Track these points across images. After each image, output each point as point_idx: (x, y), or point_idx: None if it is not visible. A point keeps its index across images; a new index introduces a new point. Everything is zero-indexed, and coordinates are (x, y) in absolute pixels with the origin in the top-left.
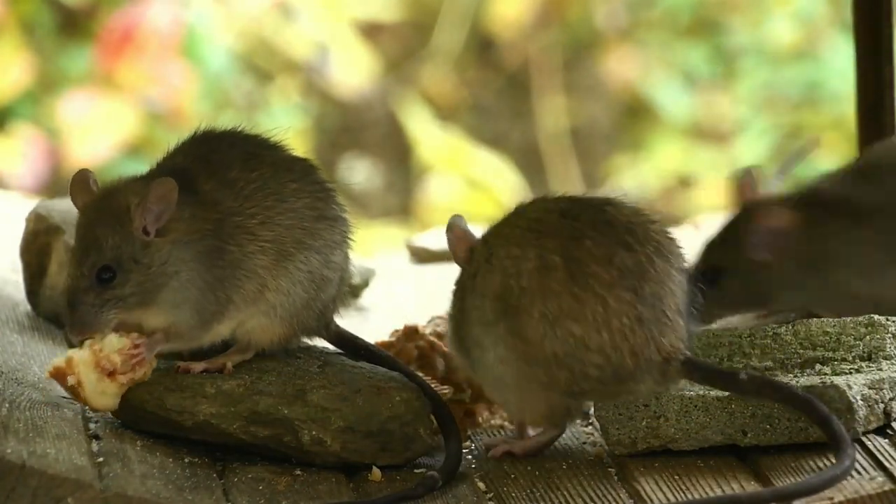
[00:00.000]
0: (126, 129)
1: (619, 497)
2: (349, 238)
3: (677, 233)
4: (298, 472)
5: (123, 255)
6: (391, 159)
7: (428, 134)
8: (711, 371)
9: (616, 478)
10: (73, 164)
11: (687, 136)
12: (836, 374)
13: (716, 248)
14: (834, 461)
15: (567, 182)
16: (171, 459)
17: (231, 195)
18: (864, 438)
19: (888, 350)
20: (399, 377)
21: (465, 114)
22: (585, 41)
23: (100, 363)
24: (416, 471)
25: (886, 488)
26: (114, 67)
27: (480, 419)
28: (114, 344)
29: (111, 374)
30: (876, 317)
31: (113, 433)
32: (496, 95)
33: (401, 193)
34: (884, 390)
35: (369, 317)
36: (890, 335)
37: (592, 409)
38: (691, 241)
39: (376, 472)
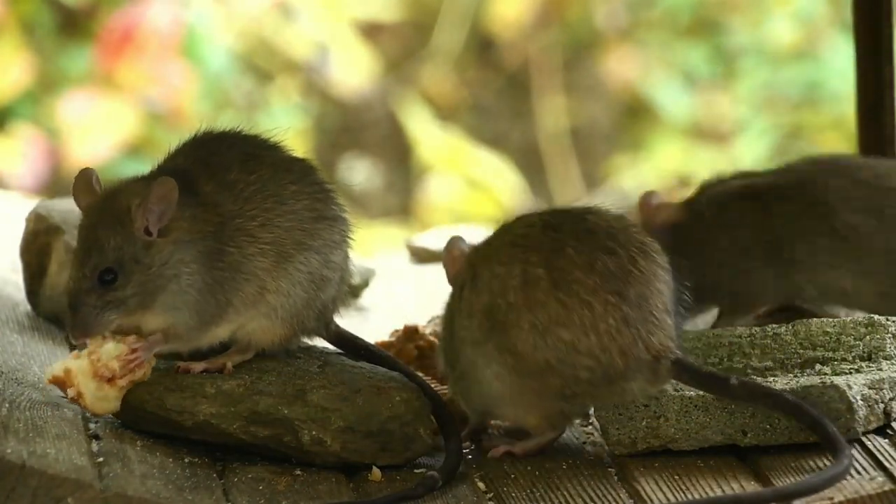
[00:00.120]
0: (126, 129)
1: (619, 497)
2: (349, 238)
3: None
4: (298, 472)
5: (125, 257)
6: (391, 159)
7: (428, 134)
8: (701, 374)
9: (616, 478)
10: (73, 164)
11: (687, 136)
12: (836, 374)
13: None
14: (832, 462)
15: (567, 182)
16: (171, 459)
17: (231, 197)
18: (864, 438)
19: (888, 350)
20: (399, 377)
21: (465, 114)
22: (585, 41)
23: (98, 371)
24: (416, 471)
25: (886, 488)
26: (114, 67)
27: None
28: (111, 351)
29: (110, 380)
30: (876, 317)
31: (113, 433)
32: (496, 95)
33: (401, 193)
34: (884, 390)
35: (369, 317)
36: (890, 335)
37: (592, 410)
38: None
39: (376, 472)
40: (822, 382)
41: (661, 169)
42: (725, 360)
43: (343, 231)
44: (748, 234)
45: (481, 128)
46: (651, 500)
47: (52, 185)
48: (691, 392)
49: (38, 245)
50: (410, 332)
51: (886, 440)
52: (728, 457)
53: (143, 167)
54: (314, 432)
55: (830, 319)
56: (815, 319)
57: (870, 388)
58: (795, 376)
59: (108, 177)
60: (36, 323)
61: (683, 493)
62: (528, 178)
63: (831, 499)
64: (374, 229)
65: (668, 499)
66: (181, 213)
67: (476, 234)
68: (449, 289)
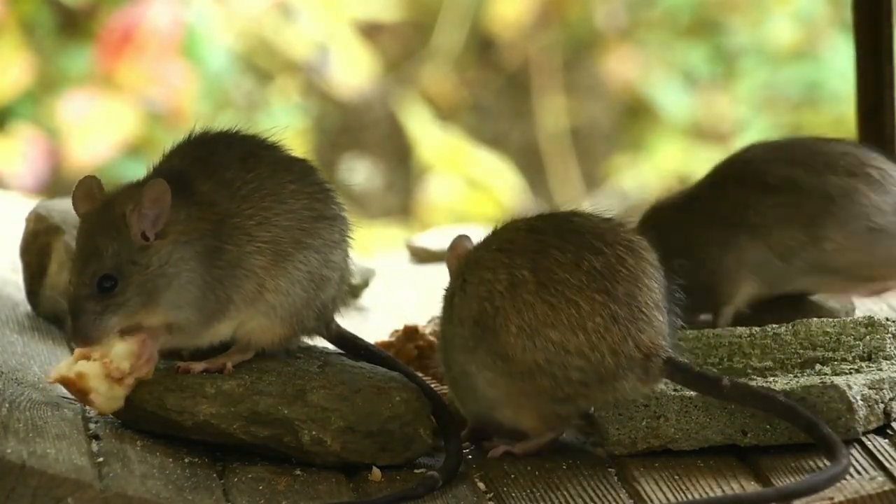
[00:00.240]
0: (126, 129)
1: (619, 497)
2: (348, 237)
3: None
4: (298, 472)
5: (123, 262)
6: (391, 159)
7: (428, 134)
8: (693, 374)
9: (616, 478)
10: (73, 164)
11: (687, 136)
12: (836, 374)
13: None
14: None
15: (567, 182)
16: (171, 459)
17: (228, 196)
18: (864, 438)
19: (888, 350)
20: (399, 377)
21: (465, 114)
22: (585, 41)
23: (110, 373)
24: (416, 471)
25: (886, 488)
26: (114, 67)
27: None
28: (121, 352)
29: (120, 380)
30: (876, 317)
31: (113, 433)
32: (496, 95)
33: (401, 193)
34: (884, 390)
35: (369, 317)
36: (890, 335)
37: (592, 409)
38: None
39: (376, 472)
40: (822, 382)
41: (661, 169)
42: (725, 360)
43: (343, 230)
44: (694, 229)
45: (481, 128)
46: (651, 500)
47: (52, 185)
48: (691, 392)
49: (38, 245)
50: (410, 332)
51: (886, 440)
52: (728, 457)
53: (143, 167)
54: (314, 432)
55: (830, 319)
56: (815, 319)
57: (870, 388)
58: (795, 376)
59: (108, 177)
60: (36, 323)
61: (683, 493)
62: (528, 178)
63: (831, 499)
64: (374, 229)
65: (668, 499)
66: (177, 215)
67: (476, 234)
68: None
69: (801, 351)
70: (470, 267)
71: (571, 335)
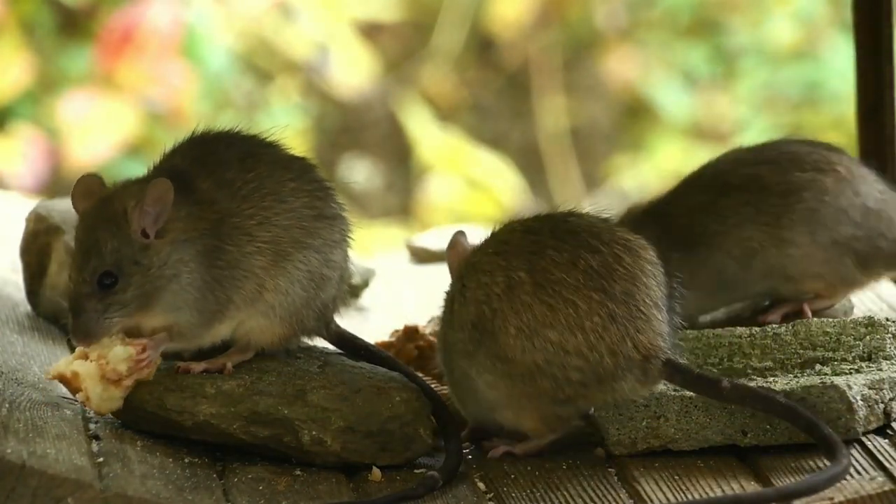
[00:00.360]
0: (126, 129)
1: (619, 497)
2: (348, 236)
3: None
4: (298, 472)
5: (124, 259)
6: (391, 159)
7: (428, 134)
8: (693, 376)
9: (616, 478)
10: (73, 164)
11: (687, 136)
12: (836, 375)
13: None
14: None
15: (567, 182)
16: (171, 459)
17: (228, 195)
18: (864, 438)
19: (888, 350)
20: (399, 377)
21: (465, 114)
22: (585, 41)
23: (106, 375)
24: (416, 471)
25: (886, 488)
26: (114, 67)
27: None
28: (119, 354)
29: (116, 381)
30: (876, 317)
31: (113, 433)
32: (496, 95)
33: (401, 193)
34: (884, 390)
35: (369, 317)
36: (890, 335)
37: (592, 410)
38: None
39: (376, 472)
40: (822, 383)
41: (661, 169)
42: (725, 360)
43: (343, 230)
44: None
45: (481, 128)
46: (651, 500)
47: (52, 185)
48: (691, 392)
49: (38, 245)
50: (410, 332)
51: (886, 440)
52: (728, 457)
53: (143, 167)
54: (314, 432)
55: (830, 319)
56: (815, 319)
57: (870, 388)
58: (795, 376)
59: (108, 177)
60: (36, 323)
61: (683, 493)
62: (528, 178)
63: (831, 499)
64: (374, 229)
65: (668, 499)
66: (177, 214)
67: (476, 234)
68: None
69: (801, 351)
70: (468, 271)
71: (570, 335)
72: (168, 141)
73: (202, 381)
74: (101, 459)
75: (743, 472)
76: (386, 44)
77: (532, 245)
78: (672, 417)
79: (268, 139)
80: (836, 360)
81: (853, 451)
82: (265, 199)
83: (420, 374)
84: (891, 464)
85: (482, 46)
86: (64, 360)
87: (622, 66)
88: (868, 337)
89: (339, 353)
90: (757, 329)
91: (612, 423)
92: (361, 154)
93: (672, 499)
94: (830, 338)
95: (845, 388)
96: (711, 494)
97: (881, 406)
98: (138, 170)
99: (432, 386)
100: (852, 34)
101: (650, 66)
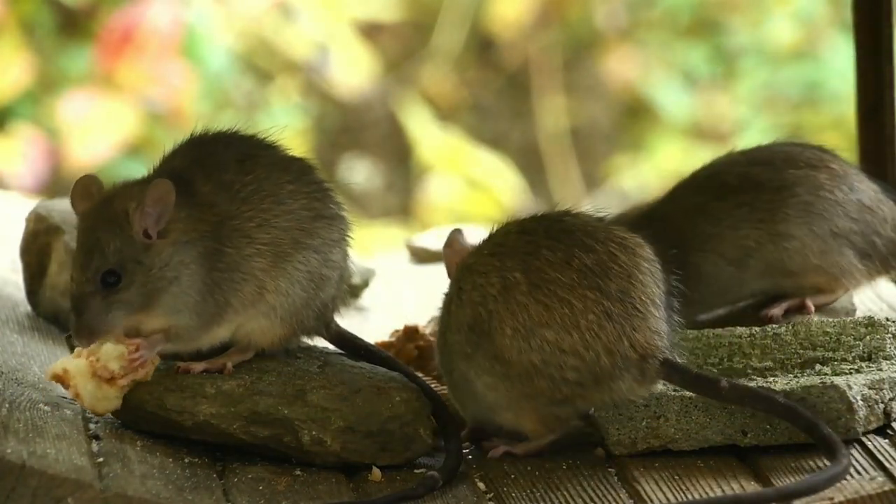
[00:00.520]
0: (126, 129)
1: (619, 497)
2: (348, 236)
3: None
4: (298, 472)
5: (126, 259)
6: (391, 159)
7: (428, 134)
8: (691, 376)
9: (616, 478)
10: (73, 164)
11: (687, 136)
12: (836, 375)
13: None
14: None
15: (567, 182)
16: (171, 459)
17: (227, 198)
18: (864, 438)
19: (888, 350)
20: (399, 377)
21: (465, 114)
22: (585, 41)
23: (97, 372)
24: (416, 471)
25: (886, 488)
26: (114, 67)
27: None
28: (110, 352)
29: (110, 380)
30: (876, 317)
31: (113, 433)
32: (496, 95)
33: (401, 193)
34: (884, 390)
35: (369, 317)
36: (890, 335)
37: (592, 410)
38: None
39: (376, 472)
40: (822, 382)
41: (661, 169)
42: (725, 360)
43: (342, 229)
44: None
45: (481, 128)
46: (651, 500)
47: (52, 185)
48: (690, 392)
49: (38, 245)
50: (410, 332)
51: (886, 440)
52: (728, 457)
53: (143, 167)
54: (314, 432)
55: (830, 319)
56: (815, 319)
57: (870, 388)
58: (795, 376)
59: (108, 177)
60: (36, 323)
61: (683, 493)
62: (528, 178)
63: (831, 499)
64: (374, 229)
65: (668, 499)
66: (178, 215)
67: (476, 233)
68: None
69: (801, 351)
70: (464, 273)
71: (566, 334)
72: (168, 141)
73: (202, 381)
74: (101, 459)
75: (743, 472)
76: (386, 44)
77: (527, 245)
78: (672, 417)
79: (267, 140)
80: (836, 360)
81: (853, 451)
82: (264, 202)
83: (420, 374)
84: (891, 464)
85: (482, 46)
86: (60, 361)
87: (622, 66)
88: (868, 337)
89: (339, 353)
90: (757, 329)
91: (612, 423)
92: (361, 154)
93: (672, 499)
94: (830, 338)
95: (845, 388)
96: (711, 494)
97: (881, 406)
98: (138, 170)
99: (432, 386)
100: (852, 34)
101: (650, 66)
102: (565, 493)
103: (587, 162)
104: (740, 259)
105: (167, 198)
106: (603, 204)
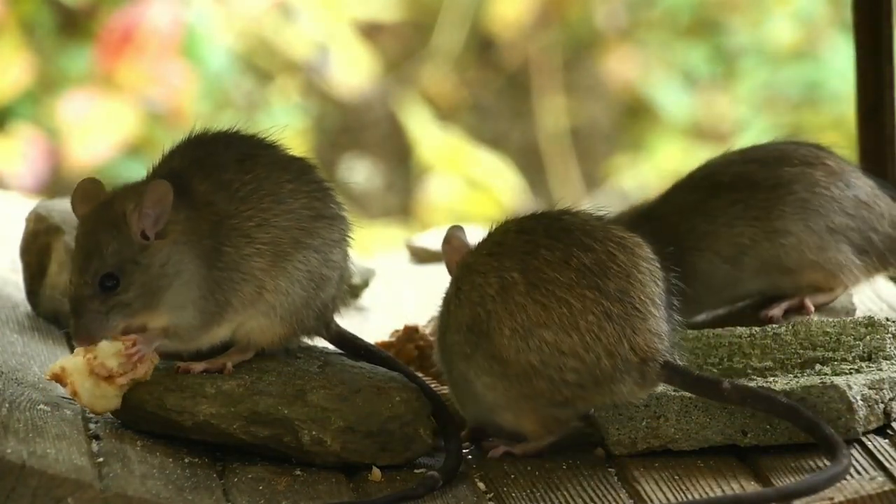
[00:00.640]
0: (126, 129)
1: (619, 497)
2: (348, 236)
3: None
4: (298, 472)
5: (125, 261)
6: (391, 159)
7: (428, 134)
8: (692, 378)
9: (616, 478)
10: (73, 164)
11: (687, 136)
12: (836, 374)
13: None
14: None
15: (567, 182)
16: (171, 459)
17: (226, 197)
18: (864, 438)
19: (888, 350)
20: (399, 377)
21: (465, 114)
22: (585, 41)
23: (94, 370)
24: (416, 471)
25: (886, 488)
26: (114, 67)
27: None
28: (107, 349)
29: (108, 378)
30: (876, 317)
31: (113, 433)
32: (496, 95)
33: (401, 193)
34: (884, 390)
35: (369, 317)
36: (890, 335)
37: (592, 409)
38: None
39: (376, 472)
40: (822, 382)
41: (661, 169)
42: (725, 360)
43: (342, 229)
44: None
45: (481, 128)
46: (651, 500)
47: (52, 185)
48: (691, 394)
49: (38, 245)
50: (410, 332)
51: (886, 440)
52: (728, 457)
53: (143, 167)
54: (314, 432)
55: (830, 319)
56: (815, 319)
57: (870, 388)
58: (795, 376)
59: (108, 177)
60: (36, 323)
61: (683, 493)
62: (528, 178)
63: (831, 499)
64: (374, 229)
65: (668, 499)
66: (177, 216)
67: (476, 233)
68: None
69: (801, 351)
70: (463, 273)
71: (565, 335)
72: (168, 141)
73: (202, 381)
74: (101, 459)
75: (743, 472)
76: (386, 44)
77: (525, 245)
78: (672, 417)
79: (267, 140)
80: (836, 360)
81: (853, 451)
82: (263, 201)
83: (420, 374)
84: (891, 464)
85: (482, 46)
86: (59, 361)
87: (622, 66)
88: (868, 337)
89: (339, 353)
90: (757, 329)
91: (612, 423)
92: (361, 154)
93: (672, 499)
94: (830, 338)
95: (845, 388)
96: (711, 494)
97: (881, 406)
98: (138, 170)
99: (432, 386)
100: (852, 34)
101: (650, 66)
102: (565, 493)
103: (587, 162)
104: (735, 257)
105: (165, 199)
106: (603, 204)
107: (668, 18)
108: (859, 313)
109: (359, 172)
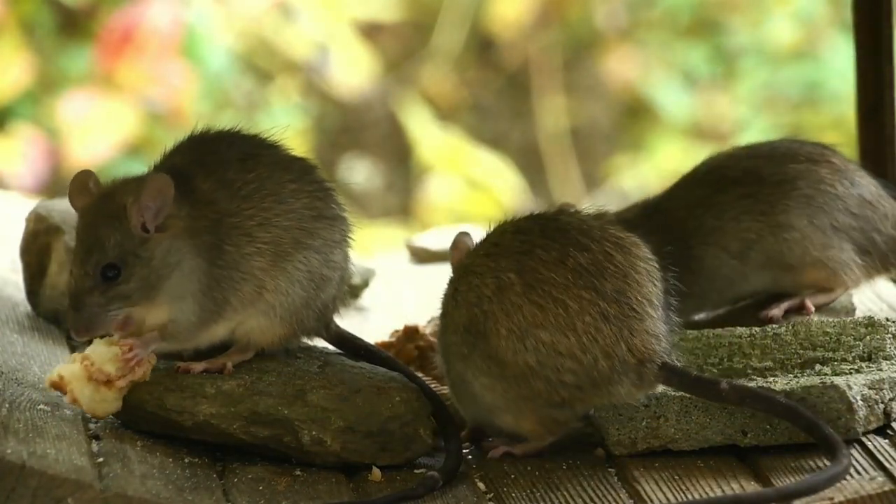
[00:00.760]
0: (126, 129)
1: (619, 497)
2: (349, 237)
3: None
4: (298, 472)
5: (126, 253)
6: (391, 159)
7: (428, 134)
8: (690, 379)
9: (616, 478)
10: (73, 164)
11: (687, 136)
12: (836, 375)
13: None
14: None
15: (567, 182)
16: (171, 459)
17: (228, 196)
18: (864, 438)
19: (888, 350)
20: (399, 377)
21: (465, 114)
22: (585, 41)
23: (92, 376)
24: (416, 471)
25: (886, 488)
26: (114, 67)
27: None
28: (103, 354)
29: (107, 383)
30: (876, 317)
31: (113, 433)
32: (496, 95)
33: (401, 193)
34: (884, 390)
35: (369, 317)
36: (890, 335)
37: (592, 410)
38: None
39: (376, 472)
40: (822, 383)
41: (661, 169)
42: (725, 360)
43: (343, 230)
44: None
45: (481, 128)
46: (651, 500)
47: (52, 185)
48: (690, 395)
49: (38, 245)
50: (410, 332)
51: (886, 440)
52: (728, 457)
53: (143, 167)
54: (314, 432)
55: (830, 319)
56: (815, 319)
57: (870, 388)
58: (795, 376)
59: (108, 177)
60: (36, 323)
61: (683, 493)
62: (528, 178)
63: (831, 499)
64: (374, 229)
65: (668, 499)
66: (178, 210)
67: (478, 234)
68: None
69: (801, 351)
70: (460, 274)
71: (561, 336)
72: (168, 141)
73: (202, 381)
74: (101, 459)
75: (743, 472)
76: (386, 44)
77: (522, 245)
78: (672, 417)
79: (269, 140)
80: (836, 360)
81: (853, 451)
82: (265, 200)
83: (420, 374)
84: (891, 464)
85: (482, 46)
86: (56, 368)
87: (622, 66)
88: (868, 337)
89: (339, 353)
90: (757, 329)
91: (612, 424)
92: (361, 154)
93: (672, 499)
94: (830, 338)
95: (845, 388)
96: (711, 494)
97: (881, 406)
98: (138, 170)
99: (432, 386)
100: (852, 34)
101: (650, 66)
102: (565, 493)
103: (587, 162)
104: (742, 251)
105: (165, 192)
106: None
107: (668, 18)
108: (859, 313)
109: (359, 172)
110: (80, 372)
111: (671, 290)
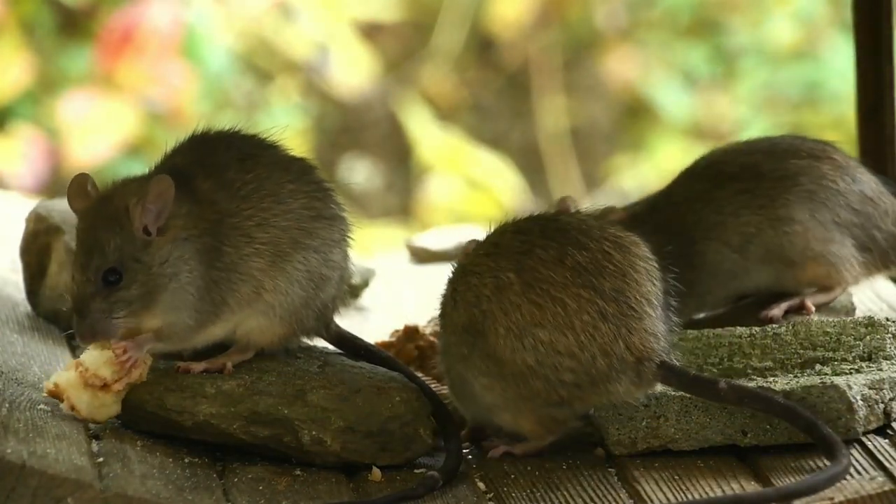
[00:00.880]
0: (126, 129)
1: (619, 497)
2: (348, 236)
3: None
4: (298, 472)
5: (126, 257)
6: (391, 159)
7: (428, 134)
8: (689, 378)
9: (616, 478)
10: (73, 164)
11: (687, 136)
12: (836, 374)
13: None
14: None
15: (567, 182)
16: (171, 459)
17: (227, 196)
18: (864, 438)
19: (888, 350)
20: (399, 377)
21: (465, 114)
22: (585, 41)
23: (88, 381)
24: (416, 471)
25: (886, 488)
26: (114, 67)
27: None
28: (97, 359)
29: (104, 388)
30: (876, 317)
31: (113, 433)
32: (496, 95)
33: (401, 193)
34: (884, 390)
35: (369, 317)
36: (890, 335)
37: (592, 409)
38: None
39: (376, 472)
40: (822, 382)
41: (661, 169)
42: (725, 360)
43: (342, 230)
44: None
45: (481, 128)
46: (651, 500)
47: (52, 185)
48: (689, 394)
49: (38, 245)
50: (410, 332)
51: (886, 440)
52: (728, 457)
53: (143, 167)
54: (314, 432)
55: (830, 319)
56: (815, 319)
57: (870, 388)
58: (795, 376)
59: (107, 177)
60: (36, 323)
61: (683, 493)
62: (528, 178)
63: (831, 499)
64: (374, 229)
65: (668, 499)
66: (178, 211)
67: (477, 234)
68: None
69: (801, 351)
70: (459, 274)
71: (560, 335)
72: (168, 141)
73: (202, 381)
74: (101, 459)
75: (743, 472)
76: (386, 44)
77: (521, 245)
78: (672, 417)
79: (268, 140)
80: (836, 360)
81: (853, 451)
82: (264, 201)
83: (420, 374)
84: (891, 464)
85: (482, 46)
86: (52, 377)
87: (622, 66)
88: (868, 337)
89: (339, 353)
90: (757, 329)
91: (612, 423)
92: (361, 154)
93: (672, 499)
94: (830, 338)
95: (845, 388)
96: (711, 494)
97: (881, 406)
98: (138, 170)
99: (432, 386)
100: (852, 34)
101: (650, 66)
102: (565, 493)
103: (587, 162)
104: (742, 246)
105: (167, 194)
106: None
107: (668, 18)
108: (859, 313)
109: (359, 172)
110: (76, 379)
111: (671, 291)
